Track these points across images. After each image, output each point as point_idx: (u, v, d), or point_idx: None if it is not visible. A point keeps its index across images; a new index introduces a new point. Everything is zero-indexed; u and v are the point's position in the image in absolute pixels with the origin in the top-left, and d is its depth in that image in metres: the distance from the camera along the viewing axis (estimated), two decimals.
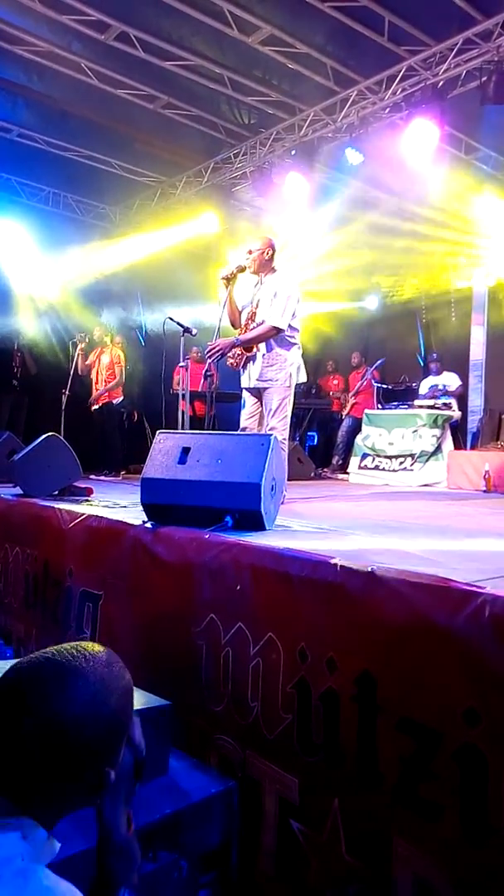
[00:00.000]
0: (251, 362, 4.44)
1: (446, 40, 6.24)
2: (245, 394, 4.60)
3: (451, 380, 8.67)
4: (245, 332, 4.41)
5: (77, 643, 1.22)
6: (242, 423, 4.60)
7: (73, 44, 6.58)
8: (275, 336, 4.33)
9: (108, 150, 8.61)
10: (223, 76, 6.95)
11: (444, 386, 8.50)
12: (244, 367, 4.49)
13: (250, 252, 4.46)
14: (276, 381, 4.38)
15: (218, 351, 4.28)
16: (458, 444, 7.98)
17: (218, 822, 2.03)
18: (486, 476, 6.36)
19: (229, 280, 4.42)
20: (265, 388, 4.41)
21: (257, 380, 4.42)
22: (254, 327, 4.37)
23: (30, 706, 1.04)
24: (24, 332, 8.73)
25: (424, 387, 8.65)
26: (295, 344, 4.47)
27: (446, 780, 1.56)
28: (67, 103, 7.58)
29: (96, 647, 1.19)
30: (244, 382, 4.54)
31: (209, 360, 4.42)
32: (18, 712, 1.05)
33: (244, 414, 4.60)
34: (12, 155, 8.51)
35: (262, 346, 4.38)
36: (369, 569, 1.83)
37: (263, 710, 2.09)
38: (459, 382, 8.78)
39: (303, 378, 4.58)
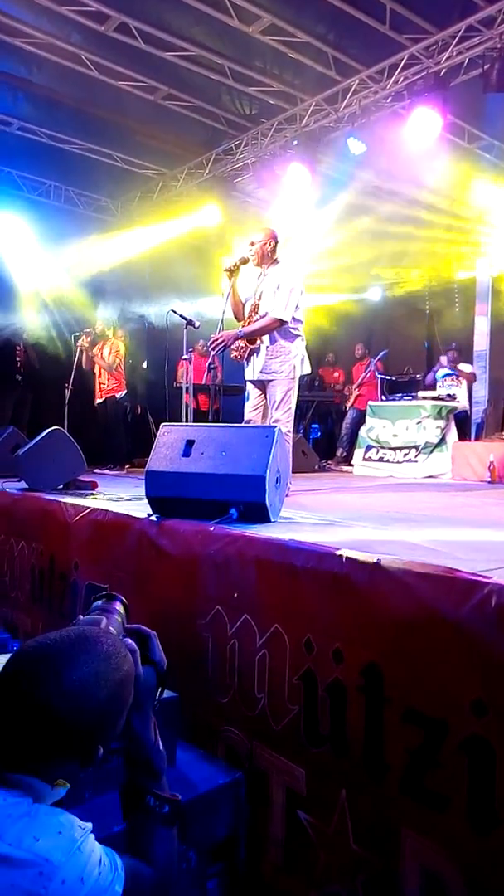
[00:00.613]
0: (255, 355, 4.43)
1: (448, 27, 6.19)
2: (249, 386, 4.59)
3: (466, 368, 8.66)
4: (248, 324, 4.40)
5: (84, 629, 1.25)
6: (246, 416, 4.60)
7: (72, 35, 6.55)
8: (278, 328, 4.31)
9: (108, 142, 8.58)
10: (224, 66, 6.91)
11: (453, 369, 8.49)
12: (248, 359, 4.48)
13: (252, 244, 4.44)
14: (279, 373, 4.37)
15: (221, 343, 4.27)
16: (465, 436, 7.94)
17: (225, 814, 2.03)
18: (491, 467, 6.34)
19: (232, 272, 4.41)
20: (269, 381, 4.40)
21: (261, 372, 4.41)
22: (257, 319, 4.36)
23: (23, 691, 1.16)
24: (27, 326, 8.72)
25: (440, 373, 8.65)
26: (298, 336, 4.45)
27: (453, 771, 1.56)
28: (68, 96, 7.56)
29: (100, 635, 1.27)
30: (248, 375, 4.53)
31: (213, 353, 4.41)
32: (13, 696, 1.17)
33: (248, 406, 4.60)
34: (13, 149, 8.49)
35: (266, 338, 4.37)
36: (375, 560, 1.83)
37: (270, 702, 2.10)
38: (473, 369, 8.77)
39: (307, 370, 4.57)
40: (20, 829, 1.09)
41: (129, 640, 1.38)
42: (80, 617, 1.44)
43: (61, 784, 1.19)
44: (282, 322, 4.28)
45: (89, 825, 1.18)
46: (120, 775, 1.42)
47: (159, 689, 1.42)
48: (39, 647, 1.21)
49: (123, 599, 1.53)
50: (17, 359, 8.24)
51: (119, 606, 1.50)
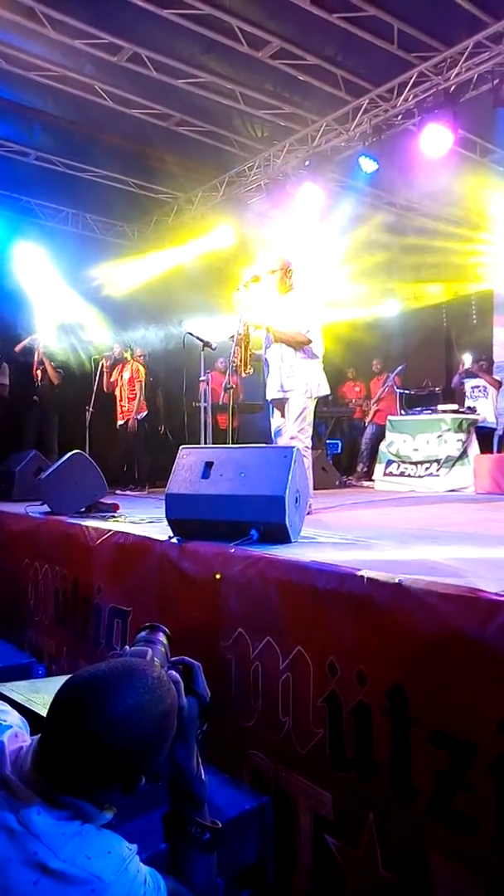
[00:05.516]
0: (268, 375, 4.49)
1: (456, 45, 6.23)
2: (273, 413, 4.63)
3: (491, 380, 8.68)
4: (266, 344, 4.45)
5: (131, 661, 1.33)
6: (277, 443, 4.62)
7: (86, 66, 6.69)
8: (305, 345, 4.38)
9: (123, 169, 8.73)
10: (235, 91, 7.00)
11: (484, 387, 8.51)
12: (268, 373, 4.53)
13: (272, 272, 4.50)
14: (293, 390, 4.43)
15: (248, 325, 4.31)
16: (490, 448, 7.87)
17: (253, 839, 2.02)
18: None
19: (248, 287, 4.45)
20: (286, 399, 4.45)
21: (278, 390, 4.45)
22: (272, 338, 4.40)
23: (72, 720, 1.23)
24: (47, 349, 8.73)
25: (467, 385, 8.64)
26: (315, 358, 4.49)
27: (482, 793, 1.54)
28: (83, 125, 7.72)
29: (146, 668, 1.32)
30: (268, 394, 4.59)
31: (243, 331, 4.38)
32: (63, 724, 1.24)
33: (274, 435, 4.63)
34: (31, 178, 8.66)
35: (282, 357, 4.42)
36: (396, 580, 1.82)
37: (295, 725, 2.08)
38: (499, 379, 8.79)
39: (325, 391, 4.59)
40: (73, 848, 1.17)
41: (174, 672, 1.42)
42: (127, 648, 1.50)
43: (109, 809, 1.25)
44: (307, 341, 4.34)
45: (135, 846, 1.25)
46: (148, 802, 1.43)
47: (203, 721, 1.45)
48: (89, 679, 1.27)
49: (166, 630, 1.58)
50: (35, 381, 8.12)
51: (162, 637, 1.55)
